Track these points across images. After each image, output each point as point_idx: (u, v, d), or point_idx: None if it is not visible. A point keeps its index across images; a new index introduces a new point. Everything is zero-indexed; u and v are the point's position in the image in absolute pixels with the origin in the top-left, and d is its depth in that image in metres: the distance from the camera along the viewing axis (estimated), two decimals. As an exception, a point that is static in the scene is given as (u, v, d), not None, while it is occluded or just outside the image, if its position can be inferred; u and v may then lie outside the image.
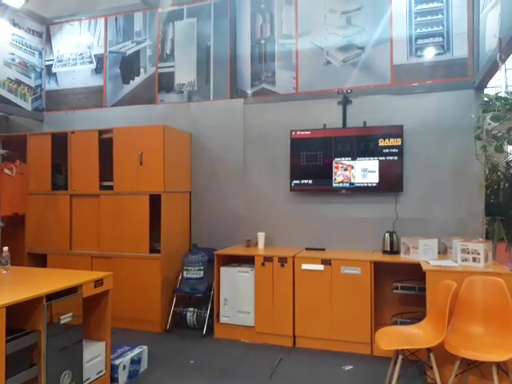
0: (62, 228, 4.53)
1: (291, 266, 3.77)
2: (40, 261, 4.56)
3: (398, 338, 2.76)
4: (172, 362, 3.43)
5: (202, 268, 4.14)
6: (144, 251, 4.19)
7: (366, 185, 4.02)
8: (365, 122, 4.10)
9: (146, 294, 4.14)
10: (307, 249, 4.14)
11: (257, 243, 4.28)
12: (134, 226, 4.23)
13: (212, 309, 4.08)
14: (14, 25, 5.16)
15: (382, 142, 3.98)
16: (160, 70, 4.98)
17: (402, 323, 3.54)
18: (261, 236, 4.26)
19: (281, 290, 3.80)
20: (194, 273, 4.12)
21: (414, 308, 3.65)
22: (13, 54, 5.14)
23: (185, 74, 4.89)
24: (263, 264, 3.86)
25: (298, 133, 4.26)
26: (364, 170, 4.03)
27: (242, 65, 4.68)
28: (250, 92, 4.65)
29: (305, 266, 3.73)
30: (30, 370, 2.33)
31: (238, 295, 3.98)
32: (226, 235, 4.53)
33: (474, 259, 3.13)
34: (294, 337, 3.79)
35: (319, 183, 4.18)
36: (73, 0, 5.30)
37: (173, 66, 4.93)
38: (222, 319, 4.03)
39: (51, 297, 2.44)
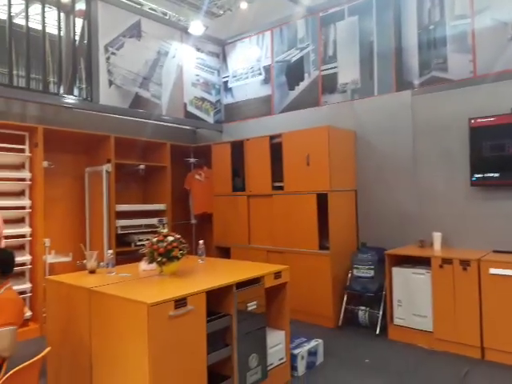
0: (241, 225, 5.05)
1: (476, 270, 3.39)
2: (225, 253, 5.18)
3: None
4: (347, 357, 3.47)
5: (373, 267, 4.07)
6: (314, 247, 4.34)
7: None
8: None
9: (317, 289, 4.29)
10: (495, 251, 3.66)
11: (432, 244, 3.99)
12: (304, 223, 4.43)
13: (385, 309, 3.98)
14: (198, 50, 6.01)
15: None
16: (323, 73, 5.10)
17: None
18: (437, 236, 3.95)
19: (463, 295, 3.46)
20: (365, 272, 4.09)
21: None
22: (198, 75, 6.00)
23: (348, 72, 4.89)
24: (441, 266, 3.57)
25: (479, 120, 3.81)
26: None
27: (408, 55, 4.43)
28: (417, 82, 4.37)
29: (494, 271, 3.30)
30: (226, 349, 2.61)
31: (412, 297, 3.78)
32: (396, 235, 4.36)
33: None
34: (483, 348, 3.39)
35: (509, 176, 3.65)
36: (242, 18, 5.88)
37: (336, 67, 5.00)
38: (396, 321, 3.88)
39: (238, 285, 2.70)
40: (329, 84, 5.05)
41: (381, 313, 3.99)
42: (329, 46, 5.06)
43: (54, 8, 4.65)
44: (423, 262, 3.76)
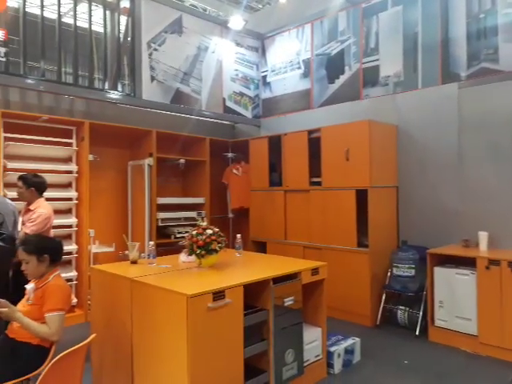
0: (278, 220, 5.04)
1: (526, 272, 3.23)
2: (261, 247, 5.20)
3: None
4: (384, 358, 3.41)
5: (414, 266, 3.95)
6: (352, 245, 4.27)
7: None
8: None
9: (355, 287, 4.22)
10: (547, 253, 3.46)
11: (477, 244, 3.82)
12: (342, 219, 4.36)
13: (425, 310, 3.86)
14: (237, 44, 6.02)
15: None
16: (364, 66, 4.98)
17: None
18: (483, 236, 3.78)
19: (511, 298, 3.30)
20: (405, 271, 3.97)
21: None
22: (237, 70, 6.03)
23: (390, 65, 4.75)
24: (488, 268, 3.41)
25: (533, 115, 3.60)
26: None
27: (456, 46, 4.24)
28: (464, 74, 4.17)
29: (545, 274, 3.13)
30: (262, 343, 2.63)
31: (455, 299, 3.64)
32: (438, 233, 4.21)
33: None
34: (531, 355, 3.23)
35: None
36: (283, 12, 5.84)
37: (377, 60, 4.86)
38: (438, 322, 3.76)
39: (276, 280, 2.69)
40: (370, 77, 4.92)
41: (421, 313, 3.87)
42: (371, 38, 4.92)
43: (100, 6, 4.81)
44: (467, 262, 3.61)
